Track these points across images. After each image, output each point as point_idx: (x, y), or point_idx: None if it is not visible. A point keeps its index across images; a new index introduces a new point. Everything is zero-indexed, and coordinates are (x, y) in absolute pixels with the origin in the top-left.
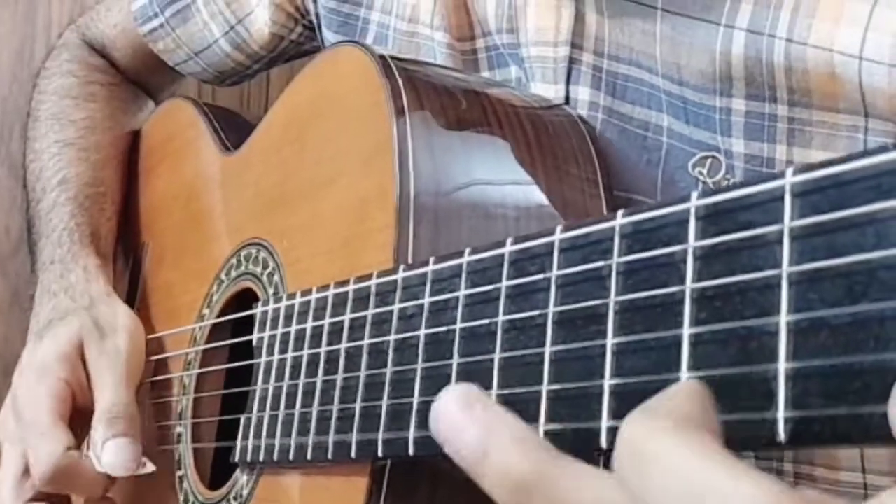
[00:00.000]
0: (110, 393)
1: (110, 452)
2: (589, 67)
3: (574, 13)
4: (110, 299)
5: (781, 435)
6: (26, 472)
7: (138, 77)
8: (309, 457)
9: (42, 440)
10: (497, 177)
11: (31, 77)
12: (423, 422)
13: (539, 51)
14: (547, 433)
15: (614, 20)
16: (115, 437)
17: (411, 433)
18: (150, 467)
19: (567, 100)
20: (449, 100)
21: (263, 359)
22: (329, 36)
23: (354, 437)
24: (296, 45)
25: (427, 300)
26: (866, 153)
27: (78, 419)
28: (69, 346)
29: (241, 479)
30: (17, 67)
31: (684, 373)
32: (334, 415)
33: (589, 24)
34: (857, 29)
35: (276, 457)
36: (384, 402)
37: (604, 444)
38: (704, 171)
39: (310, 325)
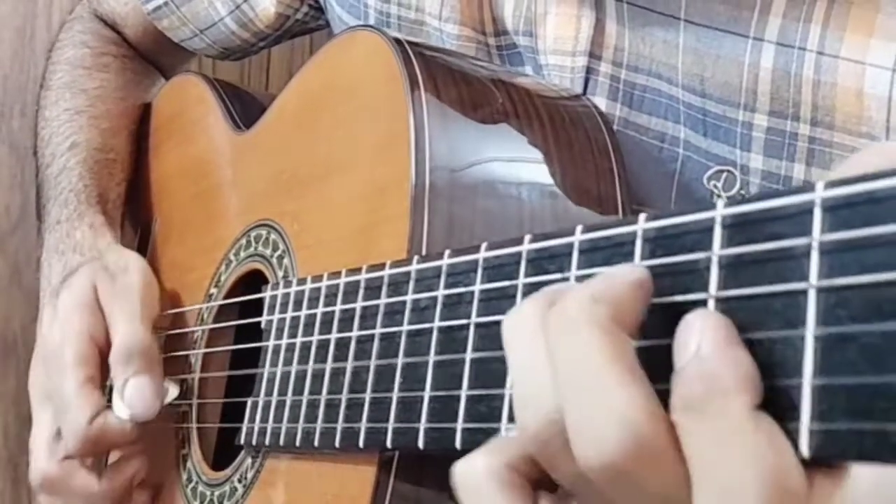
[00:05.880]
0: (124, 328)
1: (131, 396)
2: (606, 77)
3: (594, 23)
4: (117, 247)
5: (805, 448)
6: (58, 433)
7: (150, 54)
8: (316, 444)
9: (68, 414)
10: (513, 166)
11: (31, 55)
12: (435, 414)
13: (556, 59)
14: None
15: (635, 30)
16: (134, 376)
17: (422, 425)
18: (172, 392)
19: None
20: (466, 87)
21: (272, 342)
22: (340, 13)
23: (363, 426)
24: (301, 24)
25: (441, 293)
26: None
27: (106, 364)
28: (85, 295)
29: (246, 461)
30: (18, 45)
31: None
32: (343, 402)
33: (609, 34)
34: (890, 42)
35: (282, 441)
36: (395, 393)
37: None
38: (719, 185)
39: (320, 311)
